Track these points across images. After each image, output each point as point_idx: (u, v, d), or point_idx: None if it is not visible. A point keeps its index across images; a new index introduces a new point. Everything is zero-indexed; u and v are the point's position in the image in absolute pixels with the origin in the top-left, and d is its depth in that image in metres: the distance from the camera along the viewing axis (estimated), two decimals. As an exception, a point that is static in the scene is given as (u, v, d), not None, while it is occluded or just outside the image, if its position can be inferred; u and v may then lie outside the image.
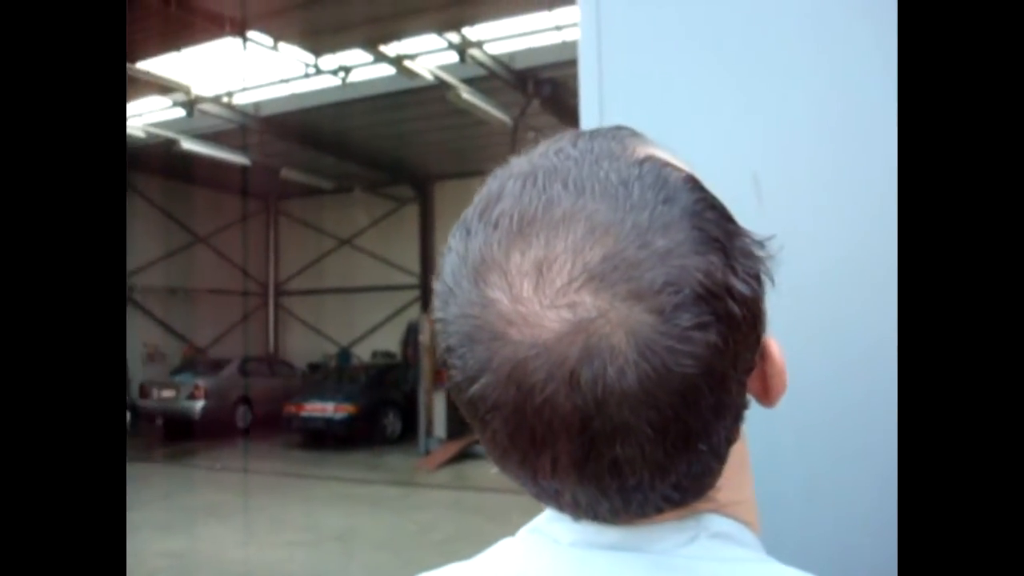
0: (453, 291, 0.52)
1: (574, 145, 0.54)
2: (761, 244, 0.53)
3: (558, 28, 12.53)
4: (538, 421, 0.49)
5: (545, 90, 14.04)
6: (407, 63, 12.80)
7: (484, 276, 0.50)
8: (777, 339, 0.58)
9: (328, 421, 15.60)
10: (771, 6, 1.14)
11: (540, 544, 0.61)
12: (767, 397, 0.58)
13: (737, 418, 0.54)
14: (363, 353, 22.05)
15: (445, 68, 13.21)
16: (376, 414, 15.98)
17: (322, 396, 16.09)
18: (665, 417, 0.48)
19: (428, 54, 12.98)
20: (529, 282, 0.49)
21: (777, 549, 0.62)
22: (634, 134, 0.58)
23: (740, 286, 0.49)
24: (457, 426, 15.12)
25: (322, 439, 15.72)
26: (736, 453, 0.57)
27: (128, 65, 12.26)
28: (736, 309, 0.49)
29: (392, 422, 16.26)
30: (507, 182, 0.53)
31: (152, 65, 12.90)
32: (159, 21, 10.98)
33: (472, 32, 12.50)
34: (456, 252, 0.53)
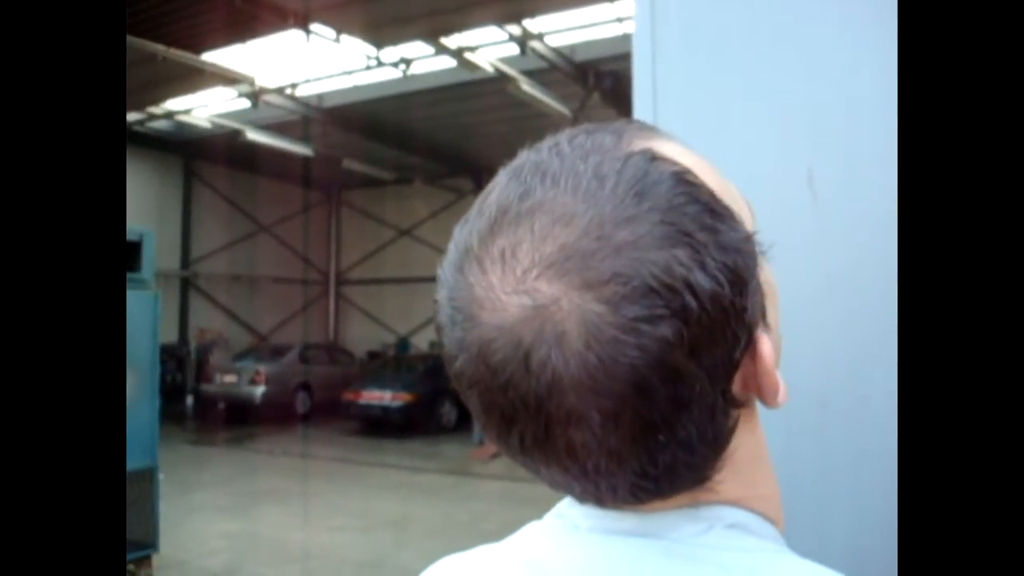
0: (444, 276, 0.56)
1: (571, 140, 0.56)
2: (749, 240, 0.53)
3: (619, 20, 12.45)
4: (504, 399, 0.52)
5: (606, 82, 13.93)
6: (468, 55, 12.82)
7: (466, 263, 0.54)
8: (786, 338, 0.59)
9: (385, 409, 15.77)
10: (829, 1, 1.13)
11: (562, 529, 0.63)
12: (761, 397, 0.57)
13: (712, 414, 0.53)
14: (421, 343, 22.22)
15: (505, 60, 13.20)
16: (432, 403, 16.08)
17: (380, 384, 16.27)
18: (615, 406, 0.49)
19: (489, 46, 12.98)
20: (497, 269, 0.52)
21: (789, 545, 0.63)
22: (641, 128, 0.59)
23: (704, 282, 0.49)
24: (512, 416, 15.16)
25: (379, 427, 15.89)
26: (745, 448, 0.58)
27: (194, 56, 12.50)
28: (694, 304, 0.49)
29: (448, 411, 16.36)
30: (502, 175, 0.57)
31: (218, 56, 13.13)
32: (225, 13, 11.16)
33: (533, 24, 12.46)
34: (453, 240, 0.57)
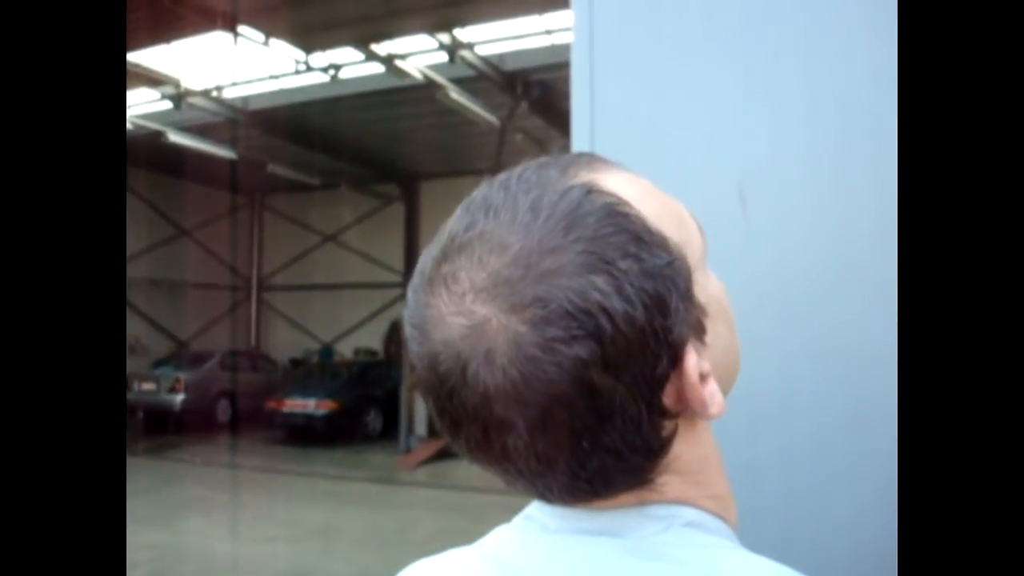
0: (408, 297, 0.63)
1: (521, 174, 0.62)
2: (672, 265, 0.58)
3: (548, 32, 12.56)
4: (450, 406, 0.59)
5: (534, 92, 13.99)
6: (397, 62, 12.79)
7: (421, 285, 0.61)
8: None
9: (309, 417, 15.55)
10: (765, 12, 1.16)
11: (529, 530, 0.69)
12: (696, 410, 0.60)
13: (637, 425, 0.57)
14: (345, 350, 21.99)
15: (435, 68, 13.18)
16: (358, 411, 15.96)
17: (304, 392, 16.04)
18: (539, 415, 0.56)
19: (418, 54, 12.96)
20: (443, 292, 0.58)
21: (790, 546, 0.67)
22: (591, 161, 0.65)
23: (620, 306, 0.54)
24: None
25: (304, 435, 15.64)
26: (690, 453, 0.64)
27: (117, 57, 12.17)
28: (609, 326, 0.54)
29: (373, 419, 16.25)
30: (460, 206, 0.63)
31: (141, 57, 12.83)
32: (150, 13, 10.91)
33: (463, 33, 12.49)
34: (418, 264, 0.63)
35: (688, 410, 0.61)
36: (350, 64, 13.67)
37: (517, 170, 0.63)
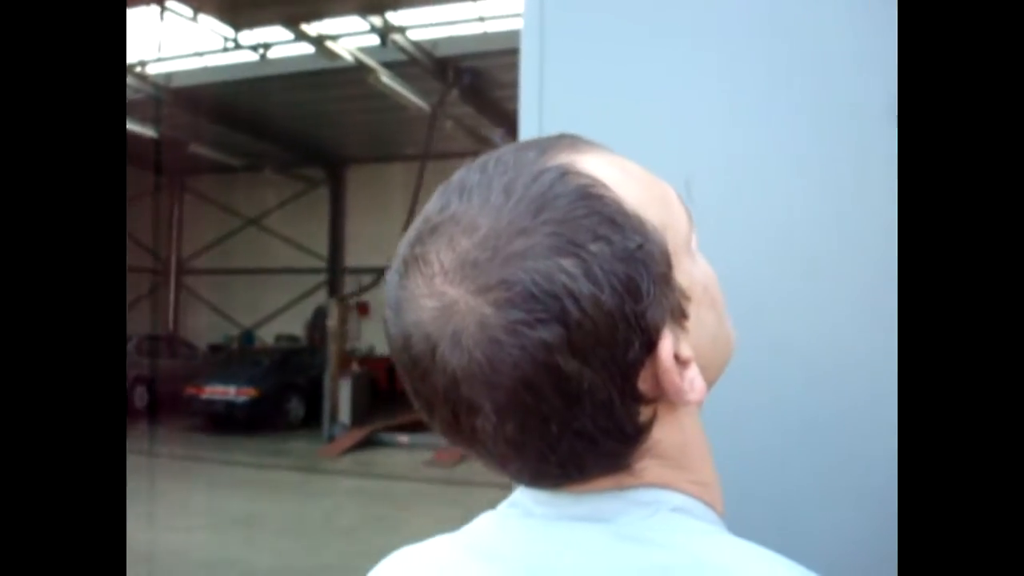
0: (387, 279, 0.62)
1: (499, 157, 0.61)
2: (644, 248, 0.56)
3: (481, 19, 12.53)
4: (423, 387, 0.59)
5: (465, 79, 14.01)
6: (328, 43, 12.59)
7: (398, 267, 0.60)
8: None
9: (230, 404, 15.26)
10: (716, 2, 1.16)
11: (514, 516, 0.67)
12: (671, 395, 0.59)
13: (610, 410, 0.56)
14: (267, 336, 21.66)
15: (366, 51, 13.04)
16: (279, 398, 15.71)
17: (224, 379, 15.76)
18: (506, 398, 0.55)
19: (350, 36, 12.80)
20: (416, 274, 0.58)
21: (790, 542, 0.66)
22: (573, 142, 0.63)
23: (587, 289, 0.53)
24: (362, 412, 15.00)
25: (224, 423, 15.34)
26: (671, 439, 0.62)
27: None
28: (575, 309, 0.53)
29: (295, 407, 16.01)
30: (438, 189, 0.63)
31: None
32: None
33: (395, 17, 12.38)
34: (400, 244, 0.63)
35: (665, 395, 0.59)
36: (280, 43, 13.41)
37: (497, 152, 0.62)
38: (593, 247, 0.54)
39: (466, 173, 0.61)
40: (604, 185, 0.58)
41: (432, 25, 12.92)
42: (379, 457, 12.99)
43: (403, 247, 0.61)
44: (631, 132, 1.13)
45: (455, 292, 0.56)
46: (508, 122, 16.61)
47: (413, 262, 0.59)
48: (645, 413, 0.59)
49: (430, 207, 0.61)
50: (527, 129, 1.22)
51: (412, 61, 13.23)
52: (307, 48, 13.09)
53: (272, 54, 13.80)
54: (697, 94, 1.17)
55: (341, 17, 12.20)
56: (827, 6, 1.12)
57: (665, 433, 0.61)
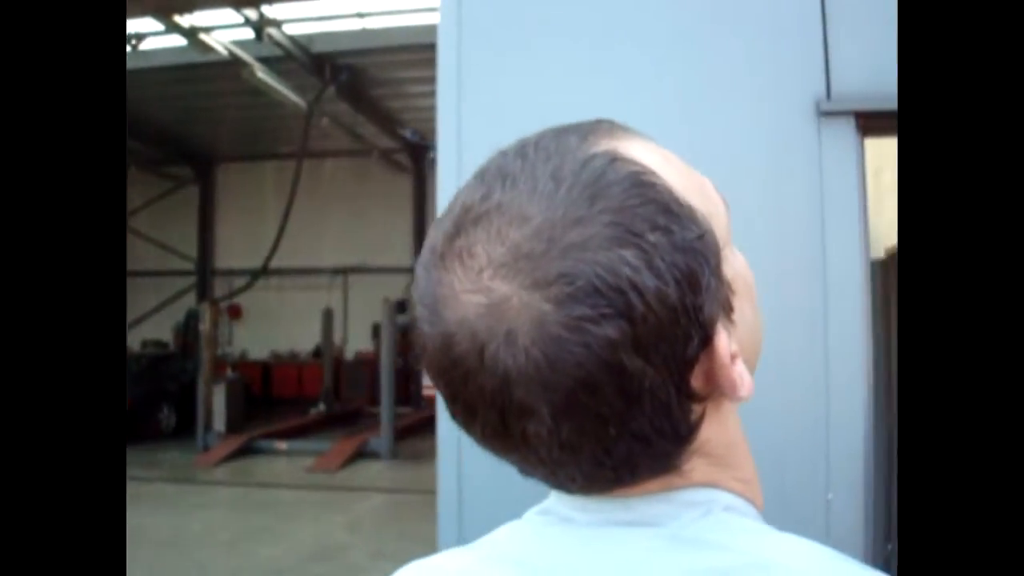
0: (417, 274, 0.58)
1: (537, 142, 0.58)
2: (704, 238, 0.55)
3: (360, 15, 12.34)
4: (465, 391, 0.55)
5: (342, 76, 13.85)
6: (201, 36, 12.13)
7: (432, 261, 0.56)
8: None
9: (95, 414, 14.52)
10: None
11: (550, 524, 0.64)
12: (721, 391, 0.58)
13: (667, 409, 0.54)
14: (132, 342, 20.73)
15: (241, 45, 12.65)
16: (149, 407, 14.95)
17: (88, 387, 14.97)
18: (564, 400, 0.52)
19: (224, 28, 12.37)
20: (457, 268, 0.54)
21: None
22: (611, 128, 0.60)
23: (650, 282, 0.51)
24: (237, 419, 14.55)
25: (88, 434, 14.58)
26: (718, 438, 0.61)
27: None
28: (640, 304, 0.50)
29: (167, 416, 15.33)
30: (472, 176, 0.58)
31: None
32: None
33: (271, 11, 12.06)
34: (427, 238, 0.59)
35: (717, 392, 0.57)
36: (151, 35, 12.83)
37: (533, 138, 0.59)
38: (652, 237, 0.52)
39: (504, 160, 0.58)
40: (653, 172, 0.55)
41: (309, 20, 12.66)
42: (258, 465, 12.63)
43: (438, 239, 0.57)
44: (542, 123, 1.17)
45: (507, 287, 0.52)
46: (386, 120, 16.49)
47: (453, 255, 0.55)
48: (696, 411, 0.57)
49: (468, 196, 0.57)
50: (445, 134, 1.24)
51: (288, 57, 12.97)
52: (180, 40, 12.55)
53: (145, 46, 13.18)
54: (623, 100, 1.17)
55: (215, 9, 11.78)
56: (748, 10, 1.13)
57: (713, 431, 0.59)
